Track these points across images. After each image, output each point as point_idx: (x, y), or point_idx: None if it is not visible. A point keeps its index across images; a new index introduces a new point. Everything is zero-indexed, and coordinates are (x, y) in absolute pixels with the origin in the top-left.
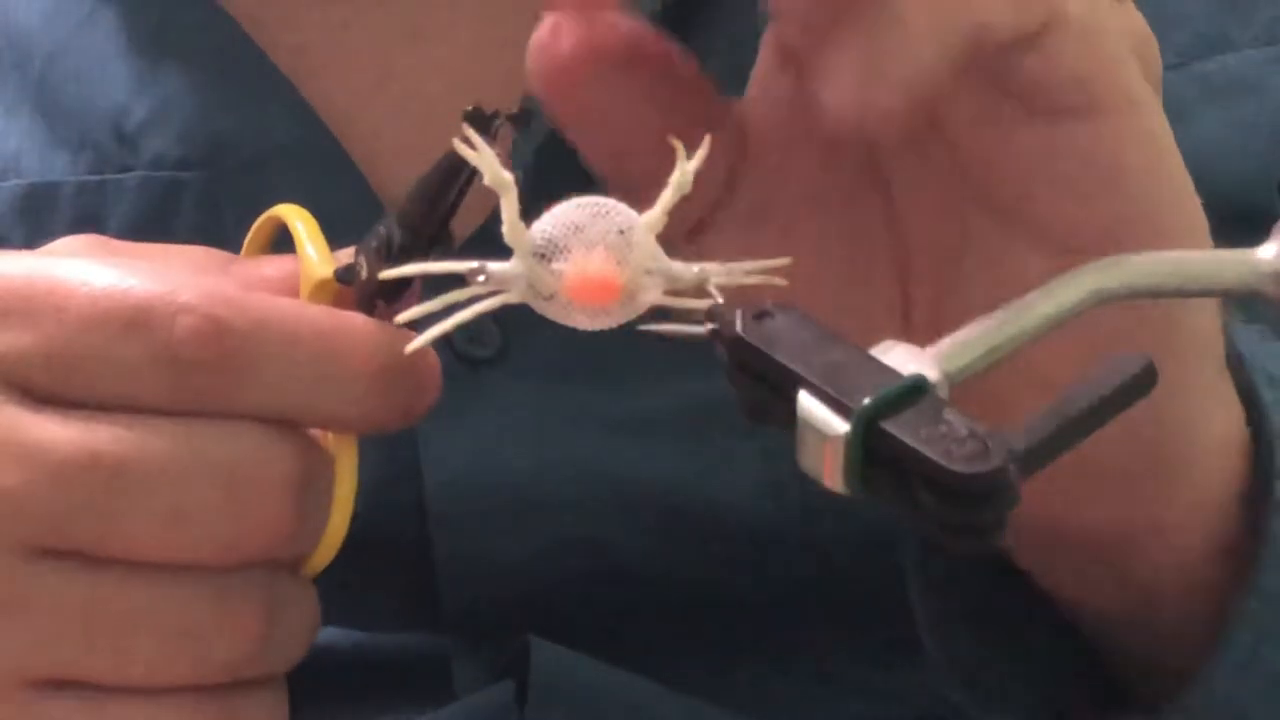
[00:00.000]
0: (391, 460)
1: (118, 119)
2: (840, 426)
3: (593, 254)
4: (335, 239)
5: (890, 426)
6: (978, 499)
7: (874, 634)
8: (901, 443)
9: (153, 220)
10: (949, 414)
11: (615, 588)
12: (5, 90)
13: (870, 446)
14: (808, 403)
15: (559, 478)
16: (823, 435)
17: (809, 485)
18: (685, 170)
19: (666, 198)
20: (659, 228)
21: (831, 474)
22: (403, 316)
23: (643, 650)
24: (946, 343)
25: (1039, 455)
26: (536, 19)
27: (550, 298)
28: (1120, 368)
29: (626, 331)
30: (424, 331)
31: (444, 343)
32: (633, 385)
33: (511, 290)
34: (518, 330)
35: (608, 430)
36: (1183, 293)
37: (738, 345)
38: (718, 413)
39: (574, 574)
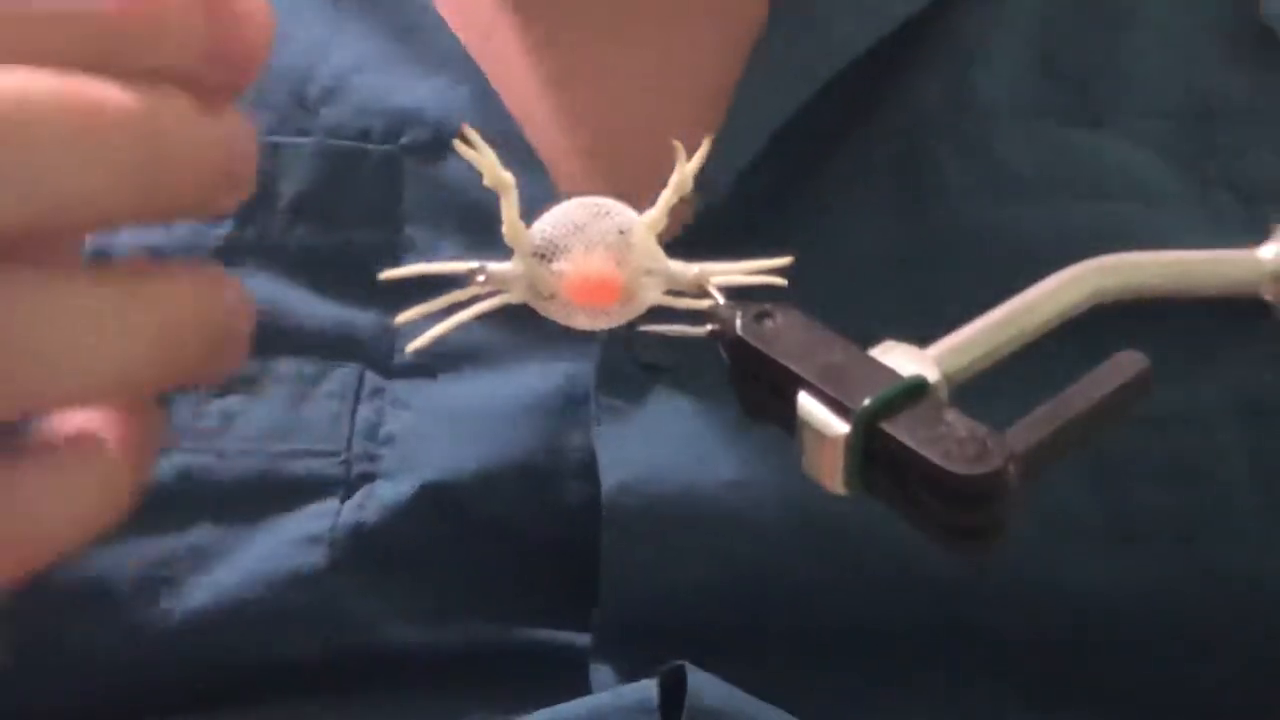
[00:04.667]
0: (558, 454)
1: (298, 82)
2: (840, 427)
3: (593, 254)
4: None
5: (890, 427)
6: (977, 500)
7: (1043, 700)
8: (901, 444)
9: (327, 189)
10: (949, 415)
11: (781, 618)
12: None
13: (870, 447)
14: (807, 404)
15: (744, 499)
16: (822, 436)
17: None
18: (685, 170)
19: (666, 197)
20: (659, 227)
21: (832, 475)
22: (403, 317)
23: (798, 688)
24: (946, 343)
25: (1039, 456)
26: (729, 29)
27: (550, 297)
28: (1119, 369)
29: None
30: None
31: (624, 349)
32: None
33: (512, 290)
34: (699, 343)
35: (786, 456)
36: (1182, 293)
37: (737, 346)
38: None
39: (744, 598)
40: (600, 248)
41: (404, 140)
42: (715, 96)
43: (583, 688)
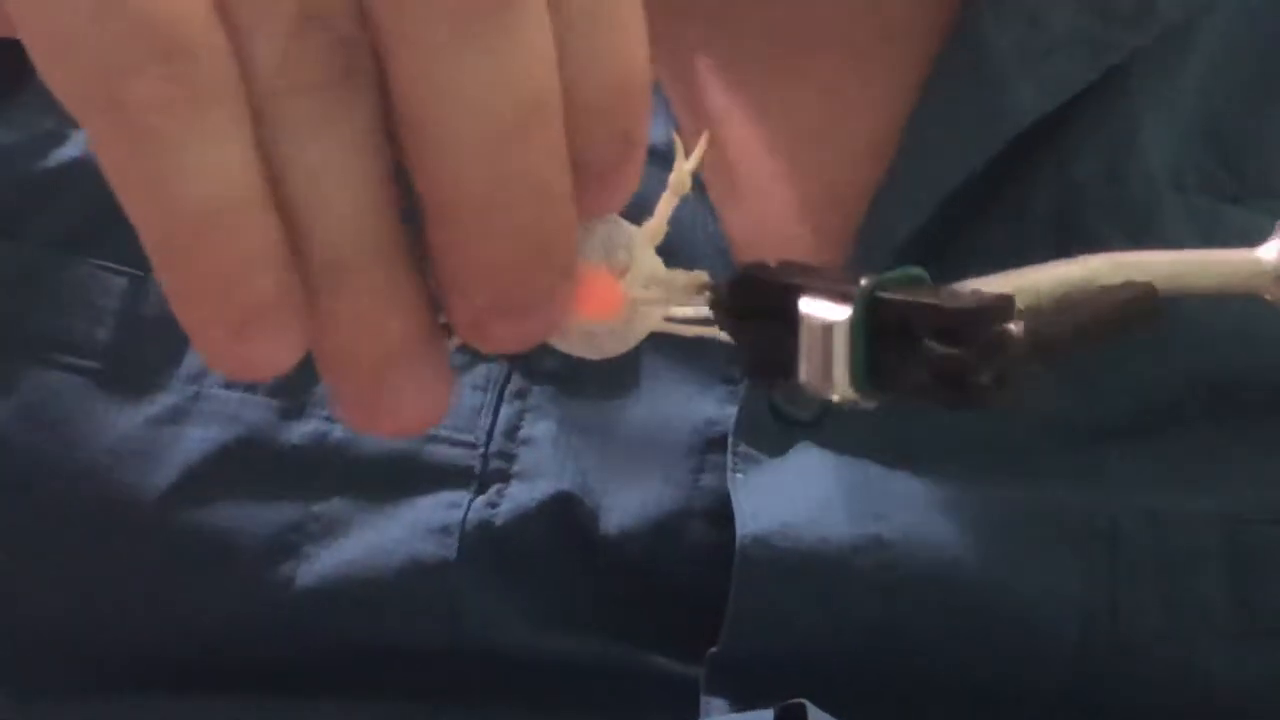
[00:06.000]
0: (689, 492)
1: None
2: (843, 312)
3: (593, 268)
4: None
5: (891, 295)
6: (987, 339)
7: None
8: (905, 302)
9: None
10: (950, 288)
11: (900, 674)
12: None
13: (874, 325)
14: (809, 306)
15: (874, 559)
16: (825, 329)
17: (1122, 622)
18: (683, 172)
19: (665, 203)
20: (659, 238)
21: (838, 375)
22: None
23: None
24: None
25: (1041, 336)
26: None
27: None
28: (1123, 287)
29: (944, 416)
30: None
31: (765, 399)
32: (954, 472)
33: None
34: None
35: (923, 517)
36: (1183, 292)
37: (739, 282)
38: (1040, 520)
39: (864, 652)
40: (600, 260)
41: None
42: (881, 142)
43: (688, 716)
